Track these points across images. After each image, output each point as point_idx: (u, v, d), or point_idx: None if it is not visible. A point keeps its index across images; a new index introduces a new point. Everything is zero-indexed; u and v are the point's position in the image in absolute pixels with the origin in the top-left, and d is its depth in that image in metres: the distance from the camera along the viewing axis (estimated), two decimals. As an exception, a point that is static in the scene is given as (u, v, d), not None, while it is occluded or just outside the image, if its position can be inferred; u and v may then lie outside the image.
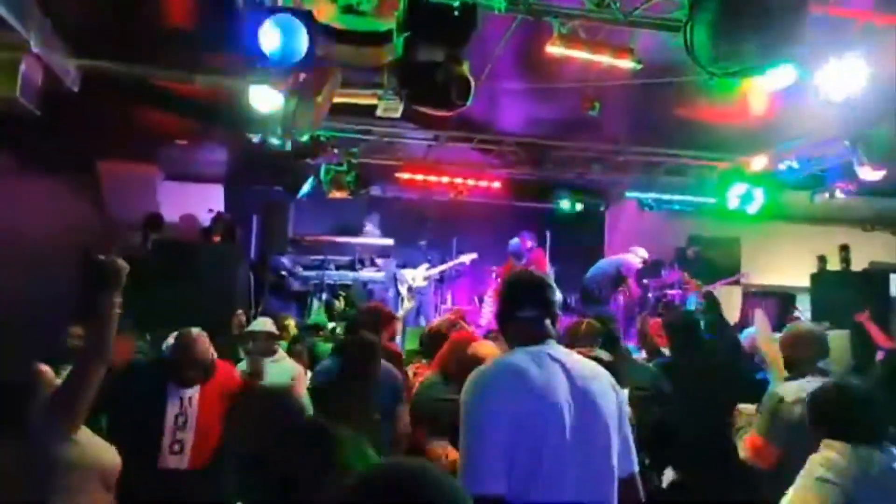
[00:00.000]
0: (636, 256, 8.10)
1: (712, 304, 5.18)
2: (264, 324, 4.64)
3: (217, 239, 7.27)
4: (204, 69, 5.51)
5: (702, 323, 4.28)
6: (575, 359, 1.95)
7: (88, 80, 5.60)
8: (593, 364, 2.00)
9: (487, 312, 8.26)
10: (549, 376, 1.84)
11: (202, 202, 8.08)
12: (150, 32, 5.08)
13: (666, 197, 9.16)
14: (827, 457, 2.09)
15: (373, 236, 9.01)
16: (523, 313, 1.95)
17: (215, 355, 3.45)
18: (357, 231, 9.00)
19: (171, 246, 6.78)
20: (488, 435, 1.75)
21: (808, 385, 2.82)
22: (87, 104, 6.08)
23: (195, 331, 3.39)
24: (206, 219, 7.90)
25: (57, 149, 6.57)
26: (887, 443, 2.13)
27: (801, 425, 2.61)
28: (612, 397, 1.91)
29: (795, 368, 3.04)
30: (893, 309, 7.09)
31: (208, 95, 6.02)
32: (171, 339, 3.52)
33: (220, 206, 8.21)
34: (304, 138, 6.23)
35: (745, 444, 2.98)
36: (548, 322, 1.96)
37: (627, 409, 1.96)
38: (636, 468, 1.93)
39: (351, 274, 8.43)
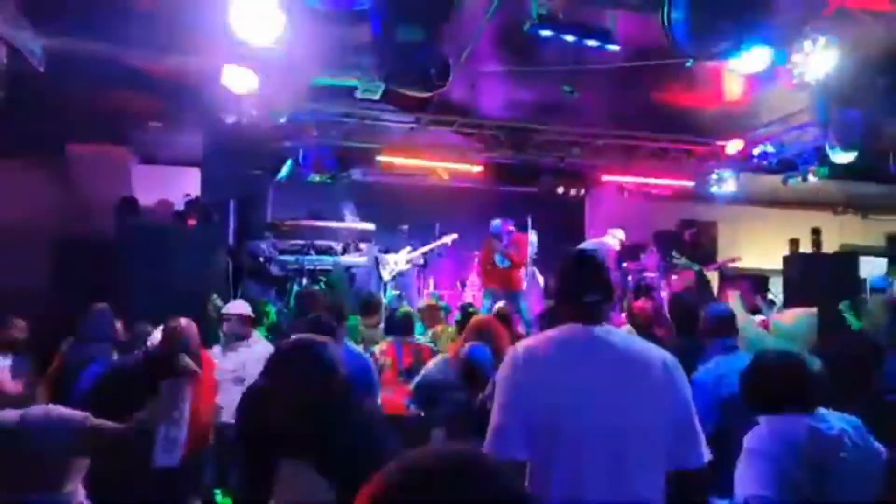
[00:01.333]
0: (613, 239, 8.18)
1: (706, 286, 5.24)
2: (237, 306, 4.59)
3: (193, 223, 7.16)
4: (176, 49, 5.39)
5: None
6: (623, 339, 1.92)
7: (55, 60, 5.44)
8: (648, 347, 1.93)
9: (469, 296, 8.29)
10: (584, 356, 1.84)
11: (177, 186, 7.94)
12: (120, 11, 4.95)
13: (645, 181, 9.23)
14: (758, 430, 2.15)
15: (351, 221, 8.96)
16: (587, 297, 1.93)
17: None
18: (336, 216, 8.93)
19: (145, 230, 6.67)
20: (511, 403, 1.81)
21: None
22: (55, 85, 5.92)
23: (184, 321, 3.28)
24: (181, 203, 7.78)
25: (23, 132, 6.41)
26: (820, 409, 2.14)
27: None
28: (662, 380, 1.83)
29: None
30: (864, 290, 7.25)
31: (181, 76, 5.90)
32: (156, 334, 3.39)
33: (195, 190, 8.07)
34: (282, 120, 6.15)
35: None
36: (607, 307, 1.96)
37: (685, 392, 1.86)
38: (699, 463, 1.80)
39: (332, 258, 8.37)
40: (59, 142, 7.57)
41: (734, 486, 2.08)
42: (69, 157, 7.71)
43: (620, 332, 1.97)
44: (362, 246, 8.54)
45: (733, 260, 8.58)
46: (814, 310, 3.73)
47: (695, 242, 8.79)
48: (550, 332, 1.96)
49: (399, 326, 4.62)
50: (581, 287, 1.95)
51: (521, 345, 1.98)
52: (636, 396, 1.80)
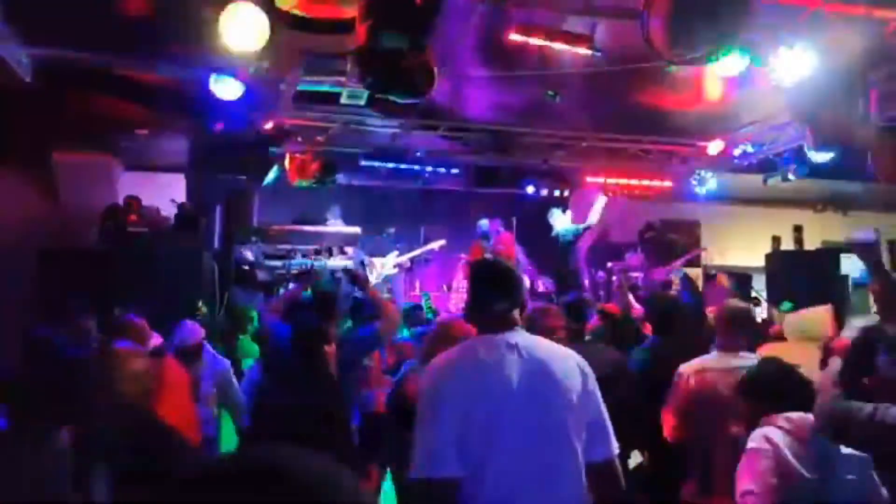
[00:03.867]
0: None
1: (690, 284, 5.31)
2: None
3: (180, 230, 7.15)
4: (163, 57, 5.41)
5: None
6: (534, 343, 1.97)
7: (42, 69, 5.44)
8: (557, 347, 2.01)
9: (457, 299, 8.35)
10: (501, 361, 1.87)
11: (164, 192, 7.91)
12: (107, 20, 4.96)
13: (628, 182, 9.34)
14: (763, 430, 2.21)
15: (335, 225, 8.97)
16: (495, 306, 2.00)
17: None
18: (321, 220, 8.95)
19: (132, 237, 6.65)
20: (437, 419, 1.80)
21: (703, 361, 3.05)
22: (41, 94, 5.91)
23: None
24: (168, 209, 7.76)
25: (8, 140, 6.38)
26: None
27: (696, 393, 2.92)
28: (578, 380, 1.90)
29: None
30: (846, 286, 7.38)
31: (168, 84, 5.92)
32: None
33: (182, 197, 8.06)
34: (268, 126, 6.18)
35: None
36: (515, 312, 2.02)
37: (596, 392, 1.95)
38: (611, 454, 1.90)
39: (318, 263, 8.38)
40: (45, 150, 7.54)
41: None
42: (55, 165, 7.67)
43: (532, 338, 2.00)
44: (348, 250, 8.56)
45: (698, 254, 8.75)
46: (827, 307, 3.83)
47: (667, 242, 8.92)
48: (464, 344, 2.02)
49: None
50: (486, 297, 2.03)
51: (437, 360, 2.01)
52: (550, 398, 1.85)
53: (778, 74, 4.91)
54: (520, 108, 7.44)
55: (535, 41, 4.74)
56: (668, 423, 3.06)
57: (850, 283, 7.67)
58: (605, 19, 4.89)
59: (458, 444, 1.76)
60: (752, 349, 3.11)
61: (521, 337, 1.97)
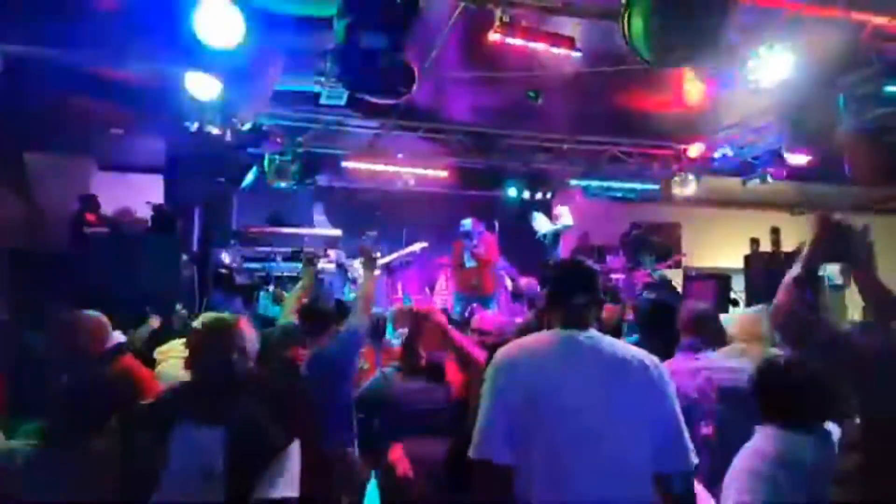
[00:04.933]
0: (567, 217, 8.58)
1: (669, 287, 5.31)
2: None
3: (156, 232, 7.02)
4: (137, 54, 5.29)
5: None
6: (609, 343, 1.93)
7: (13, 67, 5.30)
8: (636, 350, 1.94)
9: (438, 301, 8.30)
10: (569, 359, 1.85)
11: (140, 194, 7.76)
12: (80, 16, 4.84)
13: (610, 184, 9.38)
14: (754, 444, 2.07)
15: (320, 225, 8.89)
16: (575, 300, 1.97)
17: None
18: (301, 221, 8.85)
19: (107, 239, 6.51)
20: (496, 407, 1.82)
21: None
22: (12, 92, 5.76)
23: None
24: (144, 211, 7.62)
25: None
26: (823, 423, 2.06)
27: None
28: (654, 386, 1.84)
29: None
30: (822, 287, 7.46)
31: (143, 82, 5.80)
32: None
33: (158, 198, 7.92)
34: (246, 127, 6.09)
35: None
36: (593, 309, 2.00)
37: (673, 400, 1.86)
38: (685, 467, 1.81)
39: (299, 265, 8.28)
40: (17, 150, 7.37)
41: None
42: (27, 165, 7.50)
43: (606, 337, 1.96)
44: (329, 252, 8.47)
45: (679, 259, 8.81)
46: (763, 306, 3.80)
47: (649, 244, 8.95)
48: (534, 336, 1.98)
49: (375, 331, 4.61)
50: (567, 290, 1.99)
51: (506, 349, 1.99)
52: (620, 400, 1.81)
53: (756, 76, 4.94)
54: (501, 110, 7.42)
55: (516, 42, 4.70)
56: None
57: (825, 284, 7.76)
58: (586, 20, 4.88)
59: (511, 434, 1.76)
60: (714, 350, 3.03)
61: (596, 335, 1.93)
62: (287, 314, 3.82)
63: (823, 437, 2.04)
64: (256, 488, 1.93)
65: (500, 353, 1.95)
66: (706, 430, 2.66)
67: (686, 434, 1.84)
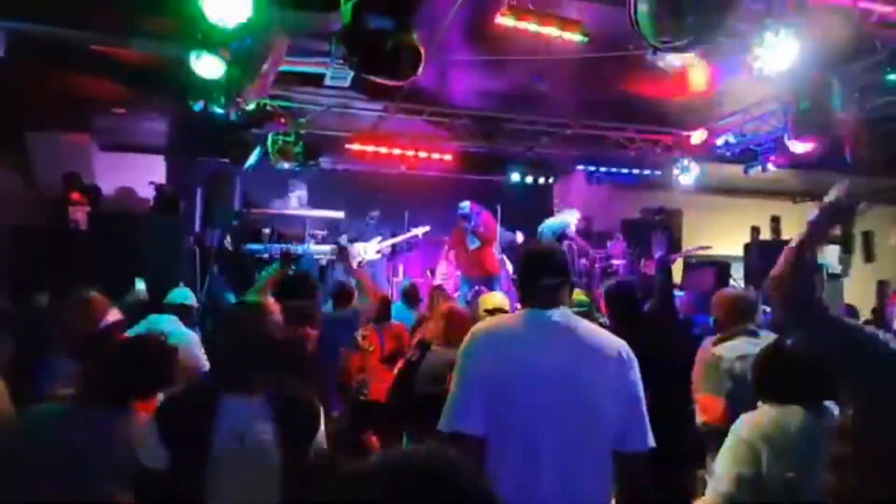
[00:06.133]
0: (572, 216, 8.49)
1: (666, 272, 5.28)
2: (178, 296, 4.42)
3: (158, 211, 7.03)
4: (141, 33, 5.27)
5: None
6: (577, 323, 1.97)
7: (15, 45, 5.27)
8: (602, 332, 2.01)
9: (440, 283, 8.33)
10: (540, 336, 1.91)
11: (142, 174, 7.76)
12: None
13: (612, 170, 9.37)
14: (750, 416, 2.16)
15: (298, 206, 8.85)
16: (546, 281, 2.01)
17: None
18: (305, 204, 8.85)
19: (109, 219, 6.52)
20: (466, 380, 1.88)
21: (741, 344, 3.00)
22: (14, 71, 5.74)
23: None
24: (146, 191, 7.62)
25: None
26: (823, 403, 2.10)
27: (742, 379, 2.81)
28: (619, 366, 1.90)
29: (727, 330, 3.19)
30: (820, 274, 7.51)
31: (146, 61, 5.78)
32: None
33: (161, 179, 7.92)
34: (250, 107, 6.07)
35: (699, 408, 3.06)
36: (564, 290, 2.04)
37: (637, 382, 1.92)
38: (643, 447, 1.88)
39: (301, 248, 8.31)
40: (18, 129, 7.35)
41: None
42: (28, 144, 7.49)
43: (578, 318, 2.01)
44: (342, 238, 8.51)
45: (703, 248, 8.78)
46: None
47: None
48: (507, 315, 2.08)
49: (377, 313, 4.61)
50: (536, 272, 2.04)
51: (481, 325, 2.08)
52: (589, 378, 1.86)
53: (761, 63, 4.92)
54: (505, 94, 7.40)
55: (524, 25, 4.69)
56: (715, 409, 2.95)
57: (825, 272, 7.80)
58: (592, 5, 4.86)
59: (485, 406, 1.82)
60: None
61: (564, 315, 1.98)
62: (252, 294, 3.76)
63: (819, 415, 2.08)
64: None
65: (473, 329, 2.03)
66: None
67: (646, 417, 1.90)
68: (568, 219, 8.54)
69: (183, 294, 4.47)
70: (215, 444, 1.87)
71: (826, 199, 1.87)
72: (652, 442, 1.89)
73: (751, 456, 2.01)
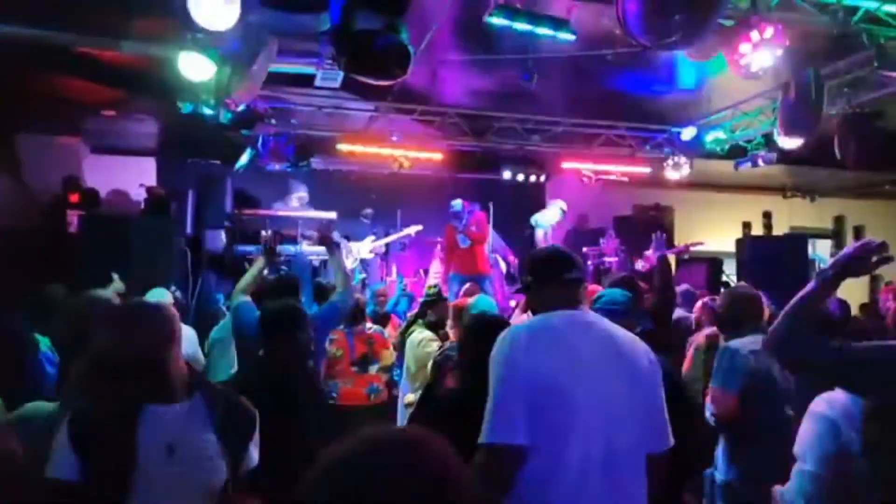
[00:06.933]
0: (556, 209, 8.64)
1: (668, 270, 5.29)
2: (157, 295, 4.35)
3: (150, 214, 7.01)
4: (130, 35, 5.26)
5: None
6: (607, 324, 1.96)
7: (3, 47, 5.25)
8: (632, 336, 1.99)
9: (433, 282, 8.34)
10: (583, 339, 1.87)
11: (133, 176, 7.75)
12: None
13: (603, 167, 9.40)
14: (829, 394, 2.16)
15: (299, 206, 8.84)
16: (569, 275, 1.97)
17: None
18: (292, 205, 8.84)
19: (101, 222, 6.50)
20: (511, 388, 1.77)
21: (755, 340, 2.96)
22: (3, 72, 5.72)
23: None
24: (137, 194, 7.59)
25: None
26: None
27: (756, 373, 2.85)
28: (646, 369, 1.90)
29: (738, 327, 3.16)
30: (813, 270, 7.56)
31: (135, 63, 5.76)
32: None
33: (152, 181, 7.90)
34: (240, 108, 6.06)
35: (709, 400, 3.05)
36: (583, 288, 2.02)
37: (660, 384, 1.94)
38: (665, 446, 1.89)
39: (293, 248, 8.30)
40: (8, 131, 7.32)
41: None
42: (19, 146, 7.46)
43: (604, 319, 2.00)
44: (340, 239, 8.49)
45: (695, 244, 8.80)
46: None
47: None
48: (548, 315, 1.95)
49: (350, 315, 4.33)
50: (559, 265, 2.00)
51: (521, 326, 1.99)
52: (626, 381, 1.84)
53: (749, 61, 4.96)
54: (495, 92, 7.42)
55: (512, 24, 4.70)
56: (727, 404, 2.94)
57: (816, 266, 7.86)
58: (581, 3, 4.88)
59: (527, 413, 1.74)
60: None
61: (594, 316, 1.96)
62: (238, 294, 3.65)
63: None
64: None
65: (519, 329, 1.95)
66: (790, 412, 2.74)
67: (667, 416, 1.90)
68: (555, 212, 8.66)
69: (159, 293, 4.43)
70: (140, 457, 1.69)
71: (837, 257, 1.81)
72: (672, 440, 1.90)
73: (834, 432, 2.02)
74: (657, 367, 1.93)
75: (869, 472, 1.76)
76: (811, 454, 2.08)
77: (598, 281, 7.45)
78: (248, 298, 3.61)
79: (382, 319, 5.41)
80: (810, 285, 1.83)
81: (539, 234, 8.72)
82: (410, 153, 8.57)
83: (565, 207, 8.73)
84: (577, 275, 1.99)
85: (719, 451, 3.05)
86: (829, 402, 2.09)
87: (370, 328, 4.64)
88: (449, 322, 4.33)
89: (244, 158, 7.70)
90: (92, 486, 1.65)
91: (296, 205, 8.83)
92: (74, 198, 6.85)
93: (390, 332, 5.13)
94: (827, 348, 1.75)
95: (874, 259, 1.74)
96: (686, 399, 3.08)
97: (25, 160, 7.59)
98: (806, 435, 2.13)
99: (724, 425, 2.98)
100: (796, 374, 1.89)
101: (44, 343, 2.95)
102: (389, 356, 4.63)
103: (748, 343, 2.97)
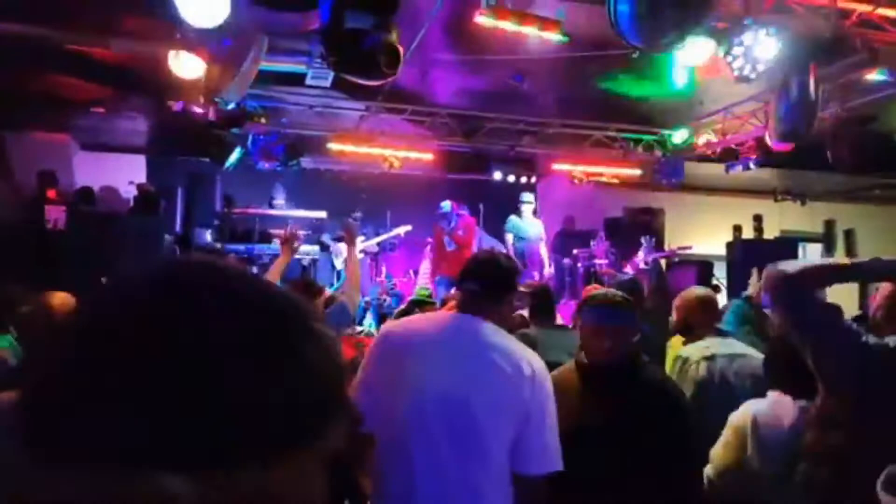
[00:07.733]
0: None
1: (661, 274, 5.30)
2: None
3: (139, 212, 6.95)
4: (120, 32, 5.21)
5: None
6: (492, 334, 1.86)
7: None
8: (516, 348, 1.86)
9: (423, 284, 8.31)
10: (438, 343, 1.87)
11: (122, 174, 7.69)
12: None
13: (594, 169, 9.40)
14: (751, 405, 2.17)
15: (282, 207, 8.78)
16: (465, 286, 2.02)
17: None
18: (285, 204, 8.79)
19: (89, 219, 6.44)
20: (362, 379, 1.90)
21: (709, 344, 2.89)
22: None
23: None
24: (126, 191, 7.54)
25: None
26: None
27: (706, 382, 2.74)
28: (518, 385, 1.76)
29: (692, 331, 3.06)
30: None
31: (125, 60, 5.71)
32: None
33: (141, 178, 7.84)
34: (230, 106, 6.02)
35: None
36: (485, 297, 1.95)
37: (546, 405, 1.79)
38: (539, 471, 1.75)
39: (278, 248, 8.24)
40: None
41: None
42: (7, 144, 7.38)
43: (493, 328, 1.89)
44: (326, 238, 8.47)
45: (683, 248, 8.83)
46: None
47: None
48: (424, 315, 2.08)
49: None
50: (462, 275, 2.05)
51: (389, 324, 2.12)
52: (484, 390, 1.75)
53: (740, 63, 4.96)
54: (486, 93, 7.40)
55: (502, 25, 4.68)
56: None
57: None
58: (572, 4, 4.87)
59: (372, 404, 1.78)
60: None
61: (473, 323, 1.88)
62: None
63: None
64: None
65: (387, 326, 2.07)
66: None
67: (549, 441, 1.77)
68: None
69: None
70: None
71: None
72: (555, 466, 1.76)
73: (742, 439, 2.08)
74: (535, 381, 1.78)
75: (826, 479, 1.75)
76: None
77: (588, 283, 7.46)
78: None
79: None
80: (843, 260, 1.90)
81: (509, 237, 8.66)
82: (401, 153, 8.55)
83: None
84: (475, 286, 1.98)
85: None
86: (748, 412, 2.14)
87: (360, 331, 4.61)
88: None
89: (234, 157, 7.65)
90: None
91: (281, 203, 8.79)
92: (51, 193, 6.75)
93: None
94: (830, 318, 1.78)
95: None
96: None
97: (15, 157, 7.51)
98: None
99: None
100: (784, 317, 1.89)
101: (6, 341, 2.92)
102: None
103: (702, 348, 2.86)
